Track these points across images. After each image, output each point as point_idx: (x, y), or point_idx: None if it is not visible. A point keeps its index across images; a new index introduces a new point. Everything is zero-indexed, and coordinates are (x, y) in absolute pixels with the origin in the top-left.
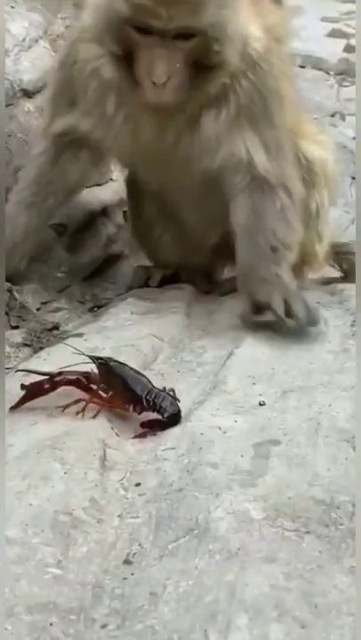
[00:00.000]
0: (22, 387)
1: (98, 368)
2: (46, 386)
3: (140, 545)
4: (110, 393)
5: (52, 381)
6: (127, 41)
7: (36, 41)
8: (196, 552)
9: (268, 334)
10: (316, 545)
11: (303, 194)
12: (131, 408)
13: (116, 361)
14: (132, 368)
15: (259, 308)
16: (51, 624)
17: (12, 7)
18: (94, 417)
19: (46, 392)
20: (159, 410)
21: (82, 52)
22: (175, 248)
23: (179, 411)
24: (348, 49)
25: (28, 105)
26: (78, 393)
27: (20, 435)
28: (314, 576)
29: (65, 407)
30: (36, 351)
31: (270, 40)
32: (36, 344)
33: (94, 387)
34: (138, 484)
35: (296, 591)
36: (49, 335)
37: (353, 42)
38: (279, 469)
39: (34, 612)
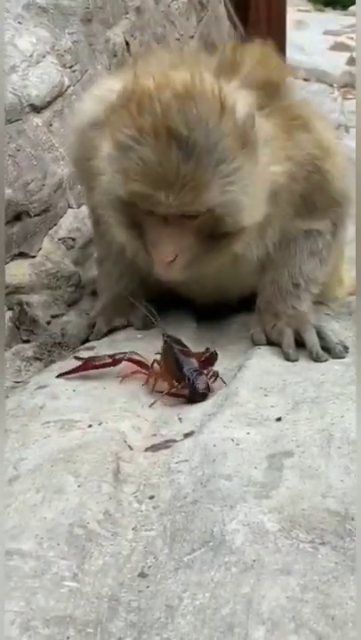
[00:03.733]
0: (77, 358)
1: (163, 345)
2: (108, 360)
3: (155, 557)
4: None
5: (114, 358)
6: (131, 215)
7: (44, 56)
8: (212, 564)
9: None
10: (331, 556)
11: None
12: (175, 383)
13: (177, 340)
14: (186, 349)
15: (270, 342)
16: (68, 638)
17: (19, 23)
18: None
19: (108, 365)
20: (193, 387)
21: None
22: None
23: (205, 393)
24: (352, 62)
25: (37, 120)
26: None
27: (33, 447)
28: (330, 587)
29: (123, 377)
30: (47, 365)
31: (299, 162)
32: (47, 358)
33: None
34: (152, 497)
35: (312, 603)
36: (60, 349)
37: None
38: (293, 481)
39: (50, 625)
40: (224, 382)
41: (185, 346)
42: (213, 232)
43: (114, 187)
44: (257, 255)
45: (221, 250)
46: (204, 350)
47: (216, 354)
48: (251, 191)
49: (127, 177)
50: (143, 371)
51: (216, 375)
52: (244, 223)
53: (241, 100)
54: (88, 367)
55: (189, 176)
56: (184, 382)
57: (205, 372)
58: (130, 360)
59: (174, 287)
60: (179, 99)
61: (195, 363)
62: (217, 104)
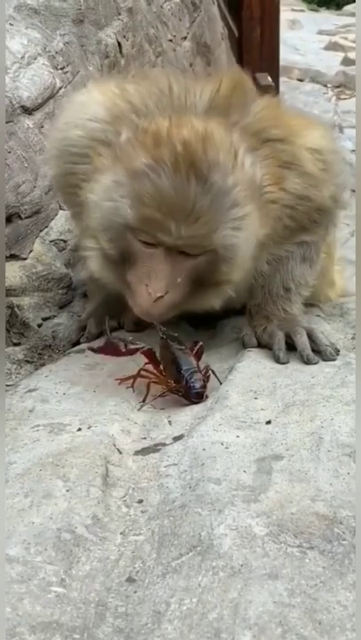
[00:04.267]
0: (92, 349)
1: (160, 342)
2: (123, 350)
3: (143, 562)
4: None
5: (129, 349)
6: (125, 246)
7: (35, 58)
8: (200, 569)
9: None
10: (319, 561)
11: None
12: (172, 383)
13: (177, 339)
14: (185, 347)
15: (261, 345)
16: None
17: (10, 24)
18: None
19: (123, 354)
20: (188, 386)
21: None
22: None
23: (199, 392)
24: (346, 62)
25: (28, 122)
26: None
27: (22, 451)
28: (317, 592)
29: (121, 380)
30: (37, 368)
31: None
32: (37, 360)
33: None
34: (140, 501)
35: (300, 608)
36: (50, 352)
37: (350, 55)
38: (282, 485)
39: (37, 631)
40: (219, 381)
41: (182, 343)
42: (204, 278)
43: (119, 212)
44: (245, 283)
45: (202, 299)
46: (193, 343)
47: (202, 346)
48: (250, 242)
49: (140, 202)
50: (148, 375)
51: (211, 373)
52: (233, 276)
53: (248, 156)
54: (109, 353)
55: (204, 212)
56: (181, 383)
57: (203, 371)
58: (144, 353)
59: None
60: (198, 138)
61: (193, 362)
62: (231, 154)
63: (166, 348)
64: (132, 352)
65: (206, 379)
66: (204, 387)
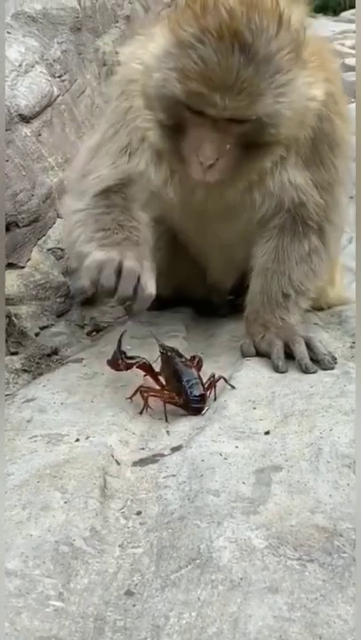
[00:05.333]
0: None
1: (160, 357)
2: (121, 365)
3: (141, 575)
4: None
5: (126, 363)
6: (177, 116)
7: (33, 66)
8: (199, 582)
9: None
10: (319, 574)
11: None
12: (175, 397)
13: (175, 351)
14: (186, 359)
15: (259, 353)
16: None
17: (8, 32)
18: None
19: (120, 369)
20: (187, 396)
21: (133, 108)
22: (182, 278)
23: (197, 401)
24: (344, 68)
25: (26, 130)
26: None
27: (20, 462)
28: (317, 606)
29: (131, 397)
30: (35, 377)
31: (331, 95)
32: (35, 370)
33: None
34: (139, 513)
35: (300, 622)
36: (48, 361)
37: (348, 61)
38: (281, 496)
39: None
40: (232, 386)
41: (181, 355)
42: (253, 141)
43: (167, 84)
44: (259, 214)
45: (255, 161)
46: (191, 358)
47: (201, 359)
48: (296, 106)
49: (185, 76)
50: (145, 387)
51: (219, 380)
52: (281, 136)
53: (295, 15)
54: (112, 367)
55: (248, 82)
56: (183, 395)
57: (209, 380)
58: (140, 367)
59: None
60: (243, 5)
61: (194, 373)
62: (276, 15)
63: (167, 362)
64: (129, 367)
65: (208, 389)
66: (204, 398)
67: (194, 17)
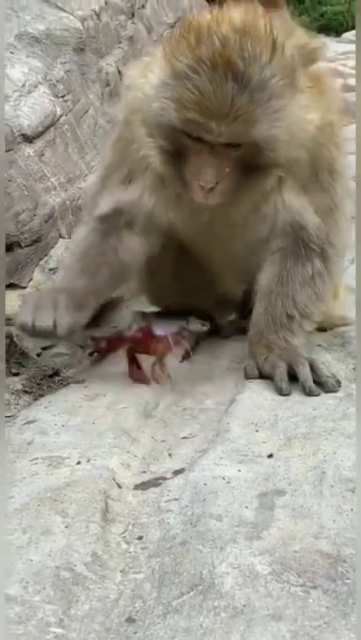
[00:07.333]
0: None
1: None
2: (102, 344)
3: (143, 602)
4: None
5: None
6: (177, 142)
7: (36, 86)
8: (201, 609)
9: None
10: (323, 601)
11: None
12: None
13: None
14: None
15: (262, 375)
16: None
17: (11, 53)
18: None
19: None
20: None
21: (136, 136)
22: (189, 296)
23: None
24: (345, 88)
25: (28, 150)
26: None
27: (20, 485)
28: (321, 634)
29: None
30: (36, 398)
31: (330, 124)
32: (36, 391)
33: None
34: (140, 538)
35: None
36: (49, 382)
37: (350, 81)
38: (284, 521)
39: None
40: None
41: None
42: (251, 164)
43: (165, 113)
44: (264, 229)
45: (255, 183)
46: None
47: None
48: (292, 129)
49: (182, 105)
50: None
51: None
52: (279, 160)
53: (290, 40)
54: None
55: (242, 109)
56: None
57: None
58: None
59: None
60: (236, 33)
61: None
62: (270, 42)
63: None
64: (109, 345)
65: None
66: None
67: (188, 47)
